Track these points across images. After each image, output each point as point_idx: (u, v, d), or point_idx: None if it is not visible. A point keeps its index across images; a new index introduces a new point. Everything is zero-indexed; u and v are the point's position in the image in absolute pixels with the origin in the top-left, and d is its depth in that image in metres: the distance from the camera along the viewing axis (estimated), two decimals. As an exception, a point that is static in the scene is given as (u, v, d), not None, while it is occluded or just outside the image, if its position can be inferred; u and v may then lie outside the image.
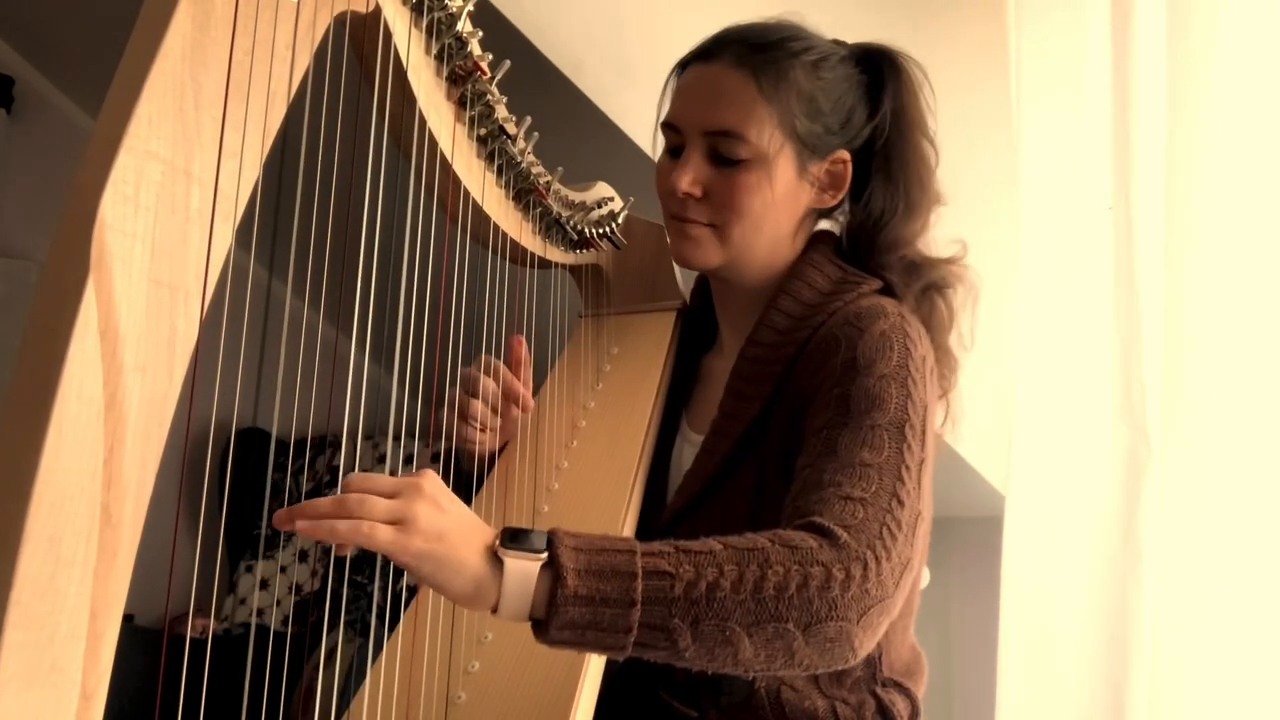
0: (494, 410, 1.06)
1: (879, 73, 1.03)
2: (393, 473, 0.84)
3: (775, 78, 0.97)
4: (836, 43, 1.04)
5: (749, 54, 0.98)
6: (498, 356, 1.06)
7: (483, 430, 1.05)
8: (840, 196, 1.03)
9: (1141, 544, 1.53)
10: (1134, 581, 1.53)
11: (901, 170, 1.02)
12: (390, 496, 0.70)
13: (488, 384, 1.05)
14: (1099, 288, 1.62)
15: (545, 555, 0.71)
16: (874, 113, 1.02)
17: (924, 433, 0.87)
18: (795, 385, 0.95)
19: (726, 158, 0.97)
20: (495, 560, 0.71)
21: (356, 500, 0.69)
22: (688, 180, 0.98)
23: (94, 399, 0.52)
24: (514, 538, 0.72)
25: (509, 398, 1.06)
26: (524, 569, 0.71)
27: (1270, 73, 1.48)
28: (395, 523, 0.69)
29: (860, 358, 0.90)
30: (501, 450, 1.11)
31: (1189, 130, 1.53)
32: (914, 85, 1.03)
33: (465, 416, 1.04)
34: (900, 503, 0.80)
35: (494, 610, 0.72)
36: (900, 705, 1.00)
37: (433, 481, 0.72)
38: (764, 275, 1.04)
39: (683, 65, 1.04)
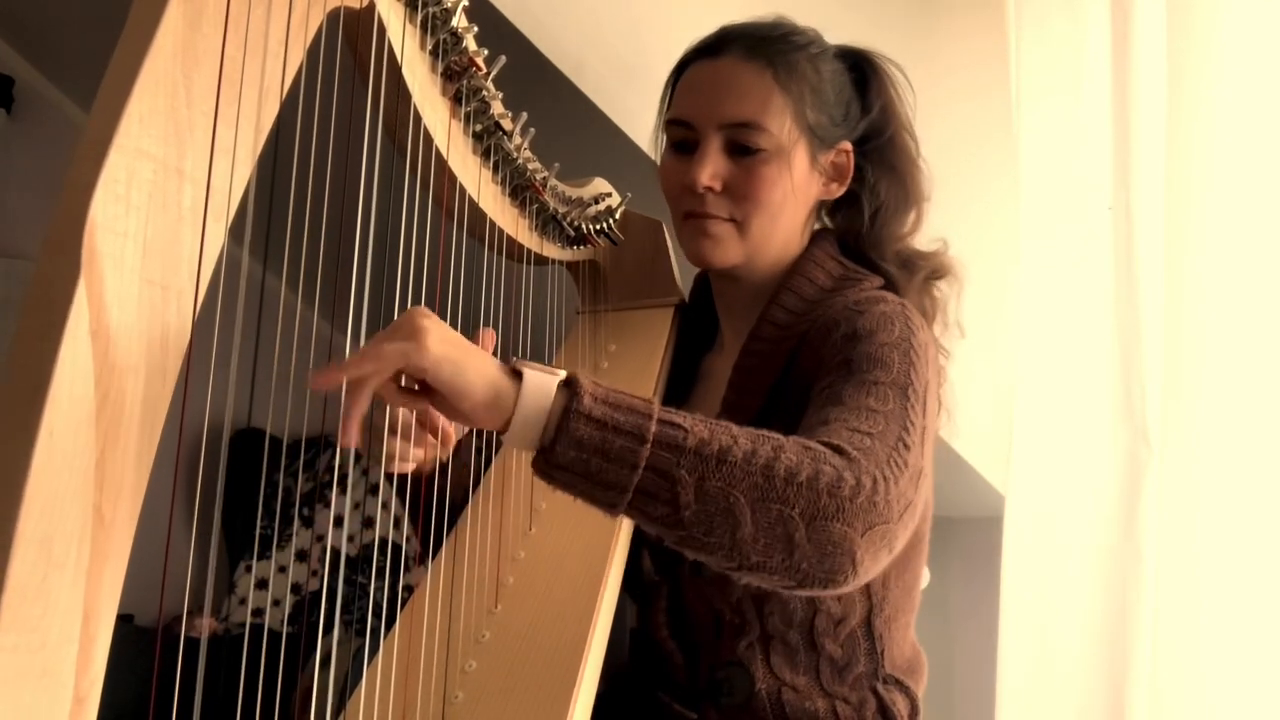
0: (408, 438, 0.90)
1: (862, 71, 1.04)
2: (389, 477, 0.82)
3: (788, 68, 0.98)
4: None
5: (760, 45, 0.98)
6: (498, 356, 1.04)
7: (402, 460, 0.91)
8: (844, 187, 1.04)
9: (1141, 543, 1.52)
10: (1134, 581, 1.53)
11: (896, 162, 1.04)
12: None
13: (404, 415, 0.91)
14: (1099, 287, 1.62)
15: (564, 374, 0.71)
16: (866, 108, 1.03)
17: (925, 405, 0.86)
18: (797, 375, 0.95)
19: (746, 148, 0.97)
20: (514, 373, 0.70)
21: (369, 349, 0.68)
22: (708, 174, 0.98)
23: (86, 400, 0.52)
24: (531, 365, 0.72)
25: (421, 425, 0.90)
26: (543, 381, 0.70)
27: (1270, 72, 1.48)
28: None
29: (861, 329, 0.89)
30: (496, 449, 1.10)
31: (1189, 131, 1.53)
32: (895, 82, 1.05)
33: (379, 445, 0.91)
34: (906, 446, 0.78)
35: (506, 427, 0.70)
36: (901, 704, 0.99)
37: (425, 310, 0.71)
38: (772, 271, 1.04)
39: (684, 64, 1.03)
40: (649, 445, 0.68)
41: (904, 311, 0.93)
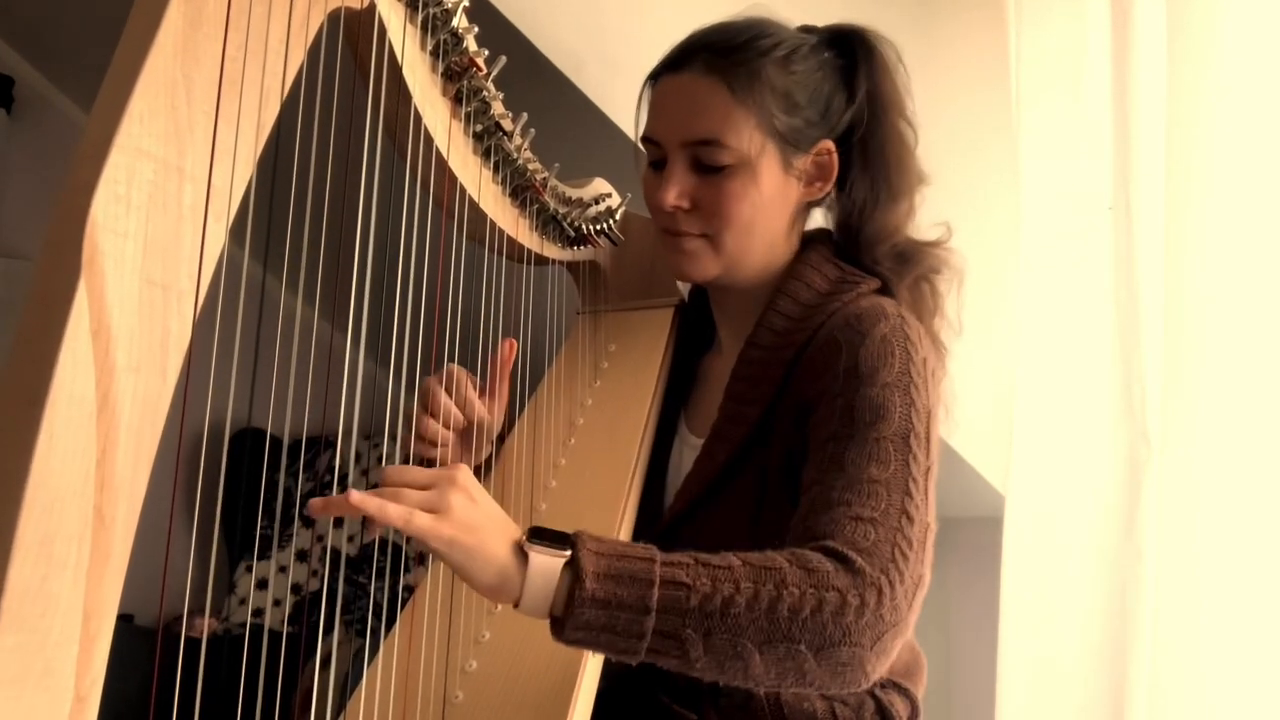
0: (451, 427, 1.00)
1: (851, 55, 1.02)
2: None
3: (747, 79, 0.96)
4: (806, 29, 1.03)
5: (717, 59, 0.96)
6: (495, 354, 1.04)
7: (443, 447, 1.00)
8: (829, 186, 1.02)
9: (1142, 543, 1.52)
10: (1134, 580, 1.53)
11: (881, 154, 1.01)
12: (425, 487, 0.73)
13: (445, 402, 0.99)
14: (1099, 287, 1.62)
15: (569, 554, 0.73)
16: (852, 98, 1.01)
17: (928, 439, 0.87)
18: (796, 389, 0.95)
19: (709, 166, 0.97)
20: (521, 555, 0.74)
21: (393, 492, 0.72)
22: (674, 194, 0.98)
23: (86, 400, 0.52)
24: (540, 535, 0.75)
25: (466, 415, 1.01)
26: (547, 565, 0.73)
27: (1270, 73, 1.48)
28: (431, 511, 0.72)
29: (863, 365, 0.89)
30: (498, 453, 1.10)
31: (1189, 130, 1.53)
32: (887, 65, 1.02)
33: (420, 436, 1.00)
34: (910, 519, 0.81)
35: (516, 604, 0.74)
36: (899, 706, 0.99)
37: (465, 475, 0.75)
38: (762, 276, 1.03)
39: (654, 77, 1.02)
40: (654, 614, 0.72)
41: (902, 328, 0.92)
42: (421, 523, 0.71)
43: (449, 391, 1.00)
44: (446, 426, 0.99)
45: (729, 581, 0.74)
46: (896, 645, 0.77)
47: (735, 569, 0.74)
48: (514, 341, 1.02)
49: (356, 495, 0.70)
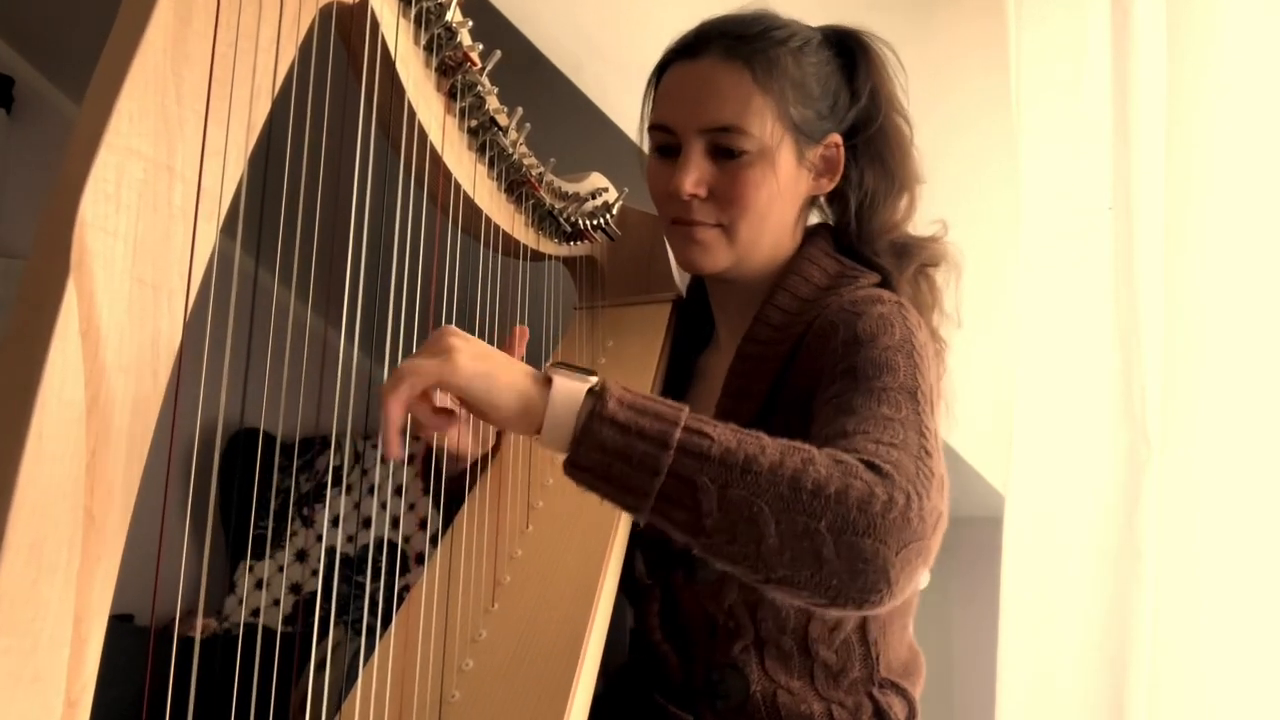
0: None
1: (850, 54, 1.02)
2: (389, 474, 0.83)
3: (768, 66, 0.96)
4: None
5: (738, 45, 0.96)
6: (507, 340, 1.04)
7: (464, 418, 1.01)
8: (836, 180, 1.02)
9: (1141, 543, 1.52)
10: (1134, 581, 1.52)
11: (884, 150, 1.02)
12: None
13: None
14: (1099, 288, 1.62)
15: (595, 380, 0.72)
16: (855, 95, 1.01)
17: (934, 407, 0.85)
18: (795, 378, 0.94)
19: (729, 152, 0.96)
20: (544, 382, 0.72)
21: (394, 378, 0.71)
22: (691, 181, 0.96)
23: (75, 401, 0.52)
24: (564, 366, 0.73)
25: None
26: (572, 388, 0.71)
27: (1270, 72, 1.47)
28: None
29: (862, 333, 0.88)
30: (495, 448, 1.10)
31: (1189, 130, 1.52)
32: (885, 61, 1.03)
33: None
34: (929, 454, 0.77)
35: (538, 432, 0.72)
36: (897, 707, 0.99)
37: (453, 327, 0.73)
38: (766, 269, 1.03)
39: (664, 65, 1.02)
40: (672, 451, 0.69)
41: (901, 311, 0.92)
42: (429, 364, 0.70)
43: None
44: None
45: (754, 444, 0.70)
46: (918, 570, 0.72)
47: (764, 438, 0.71)
48: (525, 328, 1.02)
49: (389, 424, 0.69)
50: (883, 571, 0.69)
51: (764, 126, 0.95)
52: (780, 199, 0.98)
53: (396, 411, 0.70)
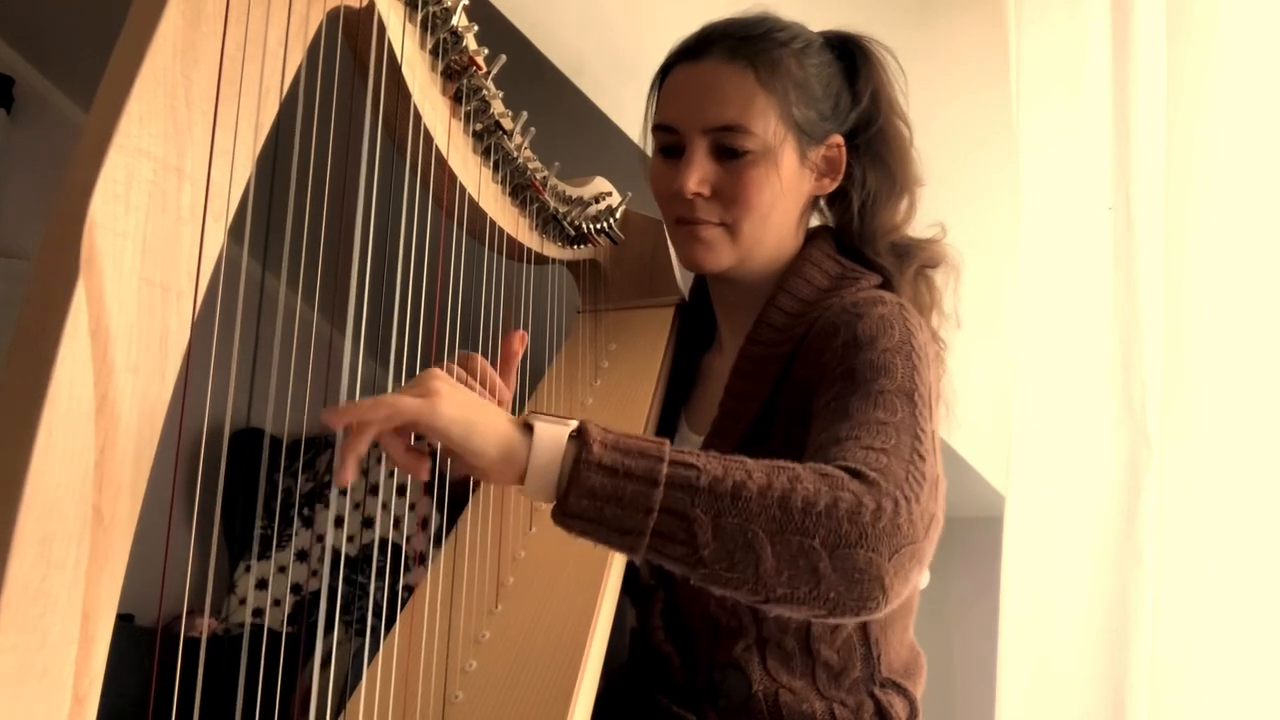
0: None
1: (850, 58, 1.03)
2: (391, 473, 0.83)
3: (771, 67, 0.96)
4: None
5: (741, 46, 0.97)
6: (496, 353, 1.04)
7: None
8: (838, 181, 1.03)
9: (1141, 544, 1.52)
10: (1134, 581, 1.52)
11: (885, 152, 1.02)
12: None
13: (462, 375, 0.99)
14: (1099, 287, 1.62)
15: (575, 424, 0.71)
16: (856, 97, 1.02)
17: (932, 409, 0.86)
18: (795, 380, 0.95)
19: (733, 151, 0.96)
20: (525, 429, 0.71)
21: (372, 401, 0.69)
22: (695, 180, 0.97)
23: (85, 400, 0.52)
24: (543, 417, 0.72)
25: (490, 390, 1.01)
26: (554, 434, 0.71)
27: (1270, 73, 1.48)
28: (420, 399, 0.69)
29: (862, 335, 0.89)
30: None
31: (1189, 130, 1.52)
32: (884, 68, 1.03)
33: None
34: (921, 458, 0.78)
35: (521, 480, 0.71)
36: (899, 706, 0.99)
37: (442, 373, 0.72)
38: (768, 270, 1.03)
39: (668, 66, 1.03)
40: (662, 488, 0.69)
41: (902, 313, 0.92)
42: (411, 403, 0.68)
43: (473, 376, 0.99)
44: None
45: (740, 469, 0.70)
46: (914, 572, 0.73)
47: (748, 462, 0.72)
48: (524, 333, 1.02)
49: (336, 411, 0.66)
50: (878, 579, 0.70)
51: (767, 126, 0.96)
52: (783, 198, 0.99)
53: (363, 440, 0.68)
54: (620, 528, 0.69)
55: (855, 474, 0.73)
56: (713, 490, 0.69)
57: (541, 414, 0.73)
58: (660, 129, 1.01)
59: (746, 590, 0.70)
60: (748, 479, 0.70)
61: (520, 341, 1.01)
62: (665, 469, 0.69)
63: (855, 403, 0.82)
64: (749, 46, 0.97)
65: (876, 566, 0.70)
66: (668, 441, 0.72)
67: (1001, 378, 1.69)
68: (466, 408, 0.70)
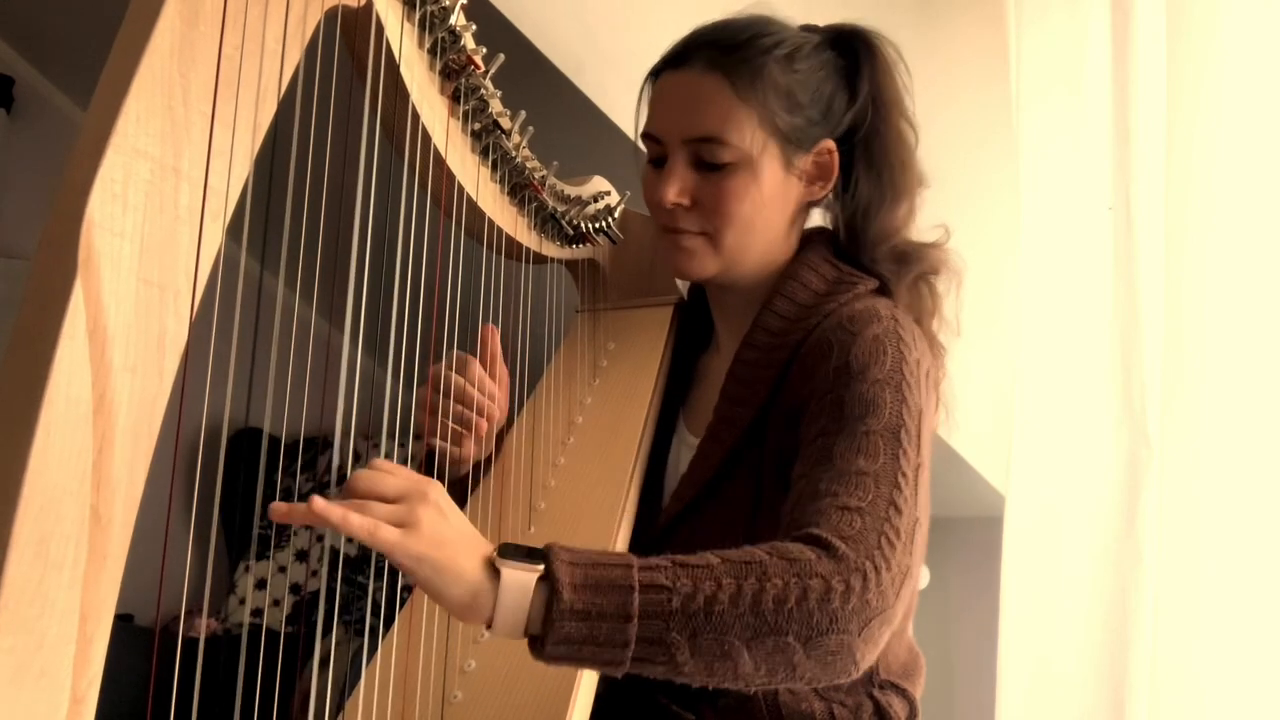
0: (474, 408, 1.01)
1: (854, 55, 1.01)
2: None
3: (750, 77, 0.95)
4: (808, 28, 1.02)
5: (720, 57, 0.96)
6: (506, 355, 1.05)
7: (465, 429, 1.00)
8: (829, 186, 1.02)
9: (1141, 544, 1.52)
10: (1134, 581, 1.53)
11: (883, 155, 1.01)
12: (395, 499, 0.71)
13: (458, 381, 1.00)
14: (1099, 287, 1.62)
15: (542, 568, 0.71)
16: (853, 98, 1.00)
17: (919, 437, 0.87)
18: (790, 389, 0.94)
19: (710, 163, 0.96)
20: (493, 571, 0.71)
21: (359, 503, 0.69)
22: (674, 191, 0.97)
23: (82, 400, 0.52)
24: (510, 552, 0.72)
25: (484, 393, 1.02)
26: (520, 580, 0.71)
27: (1270, 73, 1.48)
28: (399, 525, 0.69)
29: (854, 362, 0.89)
30: (498, 450, 1.10)
31: (1189, 130, 1.52)
32: (889, 65, 1.02)
33: (434, 414, 1.00)
34: (898, 510, 0.80)
35: (489, 625, 0.71)
36: (898, 707, 0.99)
37: (437, 490, 0.72)
38: (760, 275, 1.03)
39: (655, 73, 1.02)
40: (635, 621, 0.70)
41: (895, 330, 0.92)
42: (387, 536, 0.68)
43: (464, 377, 1.00)
44: (476, 409, 0.99)
45: (710, 580, 0.72)
46: (884, 634, 0.76)
47: (714, 567, 0.73)
48: (493, 326, 1.02)
49: (320, 503, 0.66)
50: (849, 656, 0.74)
51: (744, 137, 0.95)
52: (766, 208, 0.98)
53: (321, 521, 0.67)
54: (600, 661, 0.72)
55: (825, 547, 0.76)
56: (685, 610, 0.71)
57: (511, 548, 0.72)
58: (646, 137, 1.01)
59: (728, 685, 0.74)
60: (718, 590, 0.72)
61: (492, 335, 1.01)
62: (636, 600, 0.70)
63: (839, 446, 0.84)
64: (728, 56, 0.96)
65: (848, 646, 0.74)
66: (635, 561, 0.73)
67: (1001, 378, 1.69)
68: (438, 545, 0.70)
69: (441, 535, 0.70)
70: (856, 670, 0.75)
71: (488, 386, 1.01)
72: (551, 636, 0.70)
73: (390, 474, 0.72)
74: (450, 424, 1.00)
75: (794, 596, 0.72)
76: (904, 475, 0.82)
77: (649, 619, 0.70)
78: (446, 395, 0.99)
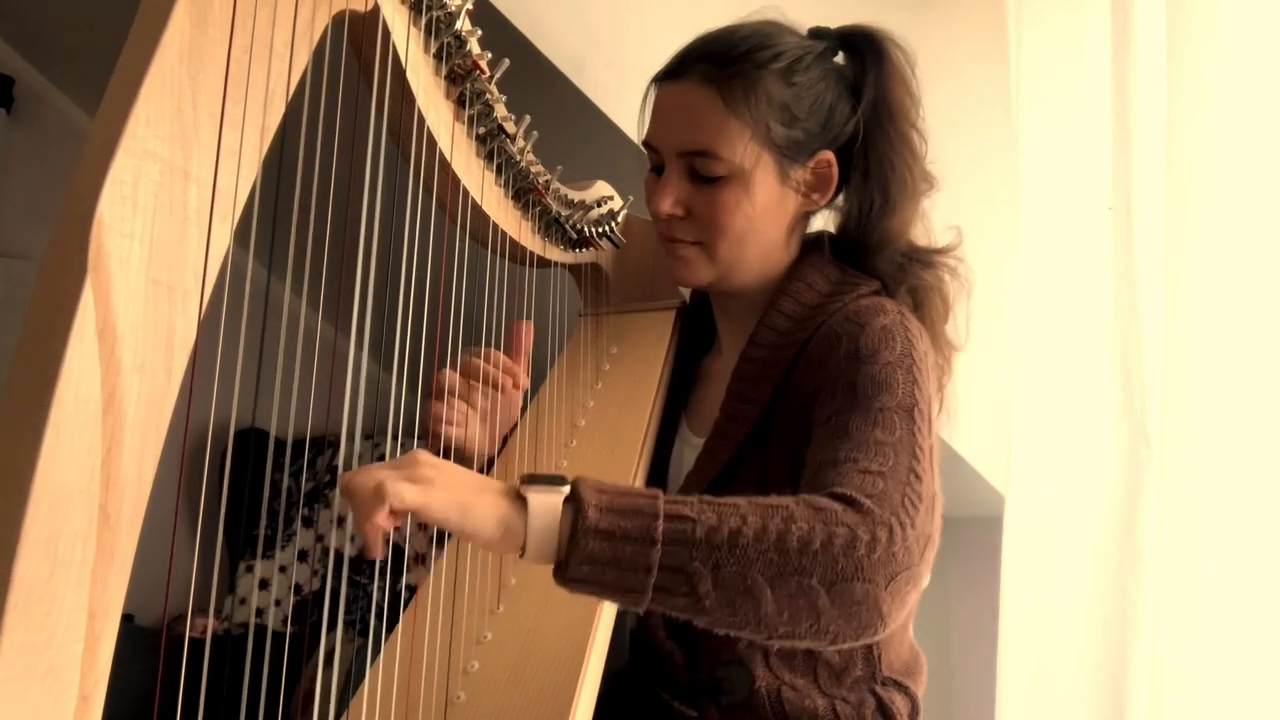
0: (495, 386, 1.03)
1: (861, 58, 1.01)
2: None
3: (744, 91, 0.95)
4: (815, 34, 1.02)
5: (714, 71, 0.96)
6: (511, 343, 1.06)
7: (479, 413, 1.03)
8: (828, 196, 1.02)
9: (1141, 544, 1.53)
10: (1134, 581, 1.53)
11: (884, 164, 1.00)
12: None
13: (483, 365, 1.03)
14: (1099, 287, 1.62)
15: (567, 489, 0.72)
16: (857, 106, 1.00)
17: (930, 421, 0.87)
18: (797, 385, 0.95)
19: (704, 175, 0.97)
20: (520, 501, 0.72)
21: (366, 488, 0.69)
22: (669, 202, 0.99)
23: (92, 399, 0.52)
24: (536, 479, 0.73)
25: (508, 373, 1.04)
26: (548, 503, 0.71)
27: (1270, 73, 1.48)
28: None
29: (864, 348, 0.89)
30: (501, 450, 1.11)
31: (1189, 130, 1.53)
32: (898, 69, 1.01)
33: (451, 396, 1.02)
34: (918, 477, 0.79)
35: (522, 552, 0.72)
36: (900, 704, 0.99)
37: (424, 453, 0.73)
38: (760, 281, 1.03)
39: (656, 81, 1.02)
40: (659, 545, 0.70)
41: (903, 321, 0.92)
42: (413, 497, 0.69)
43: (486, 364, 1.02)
44: (494, 384, 1.02)
45: (735, 515, 0.71)
46: (911, 595, 0.75)
47: (741, 505, 0.72)
48: (529, 321, 1.04)
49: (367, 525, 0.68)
50: (875, 608, 0.72)
51: (736, 151, 0.95)
52: (760, 220, 0.99)
53: (377, 537, 0.69)
54: (622, 587, 0.71)
55: (849, 503, 0.75)
56: (709, 541, 0.70)
57: (533, 477, 0.73)
58: (646, 146, 1.03)
59: (749, 631, 0.72)
60: (743, 524, 0.71)
61: (527, 331, 1.03)
62: (661, 525, 0.70)
63: (855, 420, 0.84)
64: (722, 70, 0.96)
65: (874, 597, 0.72)
66: (661, 493, 0.73)
67: (1001, 377, 1.69)
68: (459, 490, 0.71)
69: (457, 480, 0.71)
70: (883, 625, 0.73)
71: (512, 369, 1.04)
72: (575, 555, 0.70)
73: (374, 466, 0.72)
74: (462, 406, 1.02)
75: (819, 540, 0.71)
76: (920, 449, 0.82)
77: (672, 545, 0.70)
78: (463, 374, 1.02)
